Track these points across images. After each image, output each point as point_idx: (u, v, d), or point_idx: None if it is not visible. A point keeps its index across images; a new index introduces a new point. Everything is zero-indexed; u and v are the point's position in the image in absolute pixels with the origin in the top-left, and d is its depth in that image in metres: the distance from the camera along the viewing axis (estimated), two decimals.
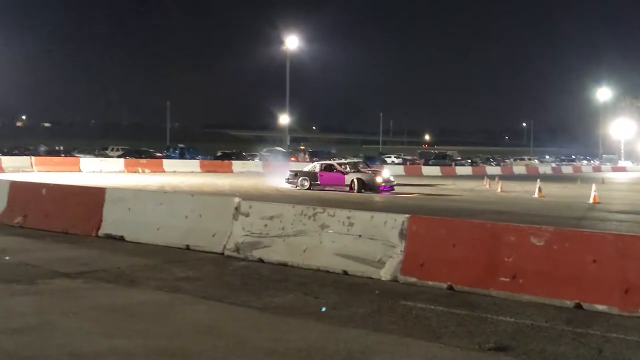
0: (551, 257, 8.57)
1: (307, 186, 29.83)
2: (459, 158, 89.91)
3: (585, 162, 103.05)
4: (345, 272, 9.82)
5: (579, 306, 8.07)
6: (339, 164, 31.94)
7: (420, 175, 55.02)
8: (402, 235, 9.60)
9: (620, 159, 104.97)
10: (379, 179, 29.58)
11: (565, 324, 7.38)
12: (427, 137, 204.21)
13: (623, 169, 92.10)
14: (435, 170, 61.08)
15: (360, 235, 10.01)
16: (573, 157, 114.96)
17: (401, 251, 9.55)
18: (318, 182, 29.91)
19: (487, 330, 7.00)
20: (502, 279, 8.71)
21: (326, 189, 29.59)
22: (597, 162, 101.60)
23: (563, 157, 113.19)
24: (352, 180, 29.28)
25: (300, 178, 30.34)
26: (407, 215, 9.85)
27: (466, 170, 66.82)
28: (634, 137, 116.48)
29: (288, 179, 31.08)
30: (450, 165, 71.43)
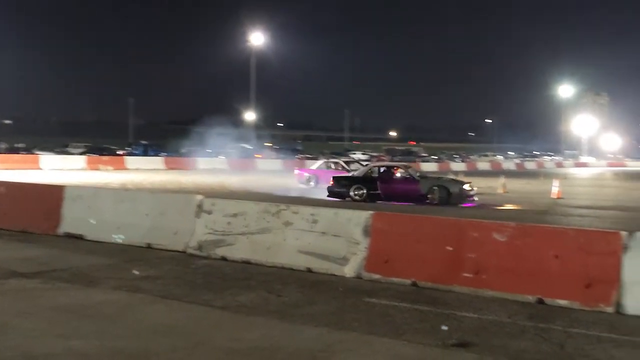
0: (514, 252, 8.59)
1: (363, 197, 22.42)
2: (425, 154, 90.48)
3: (548, 158, 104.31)
4: (309, 270, 9.74)
5: (541, 301, 8.10)
6: (404, 167, 24.55)
7: None
8: (366, 232, 9.55)
9: (582, 155, 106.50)
10: (467, 187, 22.26)
11: (527, 319, 7.39)
12: (393, 134, 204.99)
13: (585, 165, 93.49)
14: None
15: (324, 232, 9.94)
16: (536, 153, 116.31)
17: (365, 248, 9.50)
18: (378, 192, 22.47)
19: (451, 327, 6.97)
20: (465, 274, 8.71)
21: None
22: (559, 158, 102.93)
23: (526, 153, 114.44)
24: (432, 189, 21.91)
25: (353, 187, 22.73)
26: (372, 212, 9.81)
27: (431, 166, 67.28)
28: (596, 133, 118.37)
29: (333, 188, 23.32)
30: (415, 161, 71.81)
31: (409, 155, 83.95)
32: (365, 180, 22.92)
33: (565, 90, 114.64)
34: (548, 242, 8.57)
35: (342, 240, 9.69)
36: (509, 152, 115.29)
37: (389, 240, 9.50)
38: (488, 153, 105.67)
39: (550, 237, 8.76)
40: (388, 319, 7.25)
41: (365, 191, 22.50)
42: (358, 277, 9.34)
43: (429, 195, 21.75)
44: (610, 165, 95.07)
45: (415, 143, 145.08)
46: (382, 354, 6.03)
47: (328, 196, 23.06)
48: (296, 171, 32.77)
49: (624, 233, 8.12)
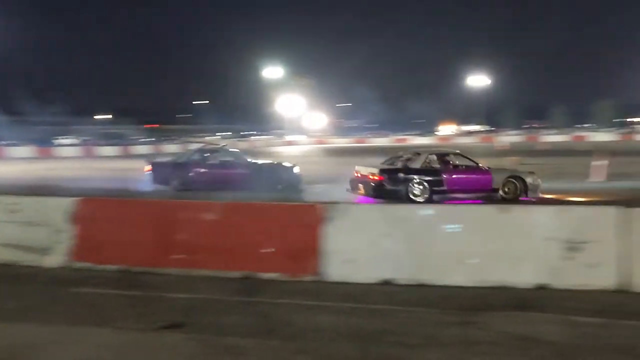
0: (224, 230, 8.80)
1: (427, 195, 16.41)
2: (136, 137, 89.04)
3: (258, 137, 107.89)
4: (11, 263, 9.12)
5: (250, 276, 8.39)
6: (459, 153, 18.18)
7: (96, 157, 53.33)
8: (71, 219, 9.16)
9: (289, 134, 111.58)
10: (537, 176, 17.40)
11: (237, 294, 7.64)
12: (107, 116, 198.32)
13: (293, 143, 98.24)
14: (112, 150, 60.10)
15: (27, 222, 9.37)
16: (248, 133, 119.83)
17: (72, 236, 9.12)
18: (444, 188, 16.59)
19: (161, 309, 7.00)
20: (177, 256, 8.75)
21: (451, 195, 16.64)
22: (268, 137, 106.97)
23: (240, 133, 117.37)
24: (509, 181, 16.91)
25: (412, 183, 16.37)
26: (77, 198, 9.43)
27: (145, 149, 66.22)
28: (303, 113, 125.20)
29: (383, 185, 16.36)
30: (126, 145, 70.22)
31: (119, 138, 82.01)
32: (423, 173, 16.81)
33: (272, 72, 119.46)
34: (255, 219, 8.90)
35: (46, 230, 9.20)
36: (217, 133, 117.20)
37: (97, 226, 9.22)
38: (202, 135, 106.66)
39: (258, 213, 9.11)
40: (97, 308, 7.08)
41: (428, 188, 16.54)
42: (65, 267, 8.95)
43: (500, 190, 16.86)
44: (317, 142, 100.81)
45: (158, 125, 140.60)
46: (90, 344, 5.88)
47: (373, 196, 16.34)
48: (147, 166, 21.34)
49: (324, 205, 8.66)
